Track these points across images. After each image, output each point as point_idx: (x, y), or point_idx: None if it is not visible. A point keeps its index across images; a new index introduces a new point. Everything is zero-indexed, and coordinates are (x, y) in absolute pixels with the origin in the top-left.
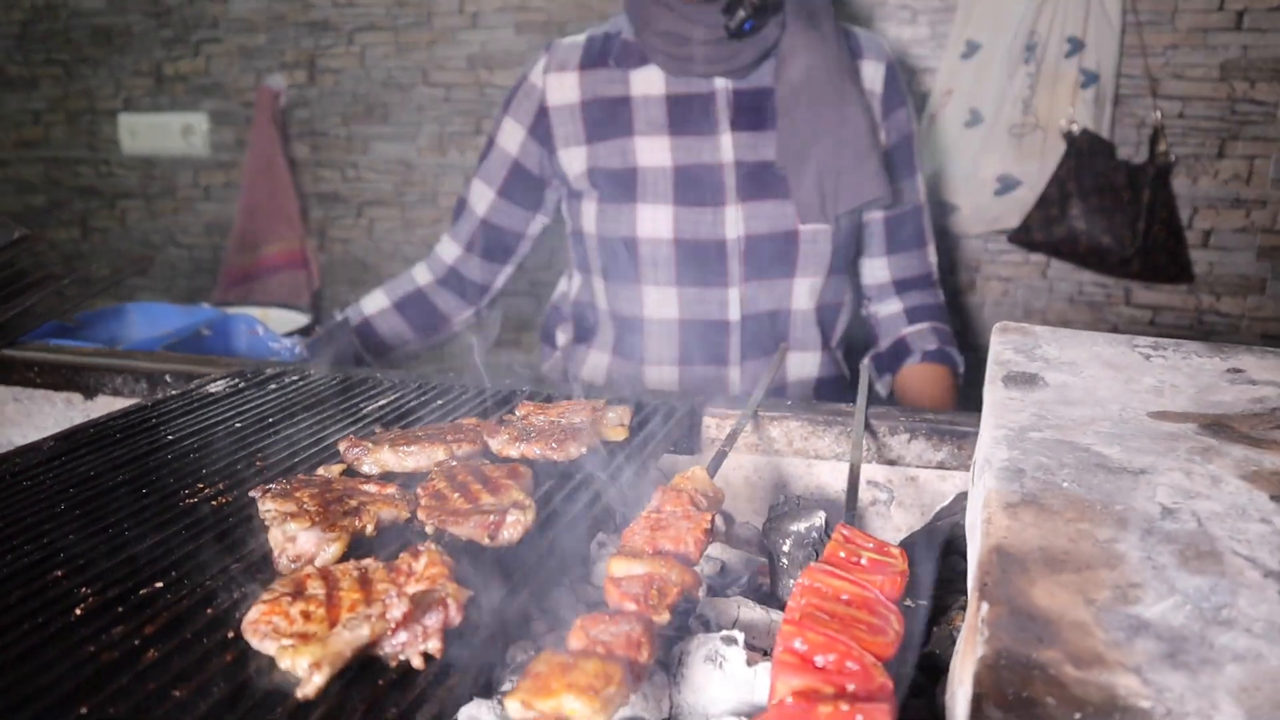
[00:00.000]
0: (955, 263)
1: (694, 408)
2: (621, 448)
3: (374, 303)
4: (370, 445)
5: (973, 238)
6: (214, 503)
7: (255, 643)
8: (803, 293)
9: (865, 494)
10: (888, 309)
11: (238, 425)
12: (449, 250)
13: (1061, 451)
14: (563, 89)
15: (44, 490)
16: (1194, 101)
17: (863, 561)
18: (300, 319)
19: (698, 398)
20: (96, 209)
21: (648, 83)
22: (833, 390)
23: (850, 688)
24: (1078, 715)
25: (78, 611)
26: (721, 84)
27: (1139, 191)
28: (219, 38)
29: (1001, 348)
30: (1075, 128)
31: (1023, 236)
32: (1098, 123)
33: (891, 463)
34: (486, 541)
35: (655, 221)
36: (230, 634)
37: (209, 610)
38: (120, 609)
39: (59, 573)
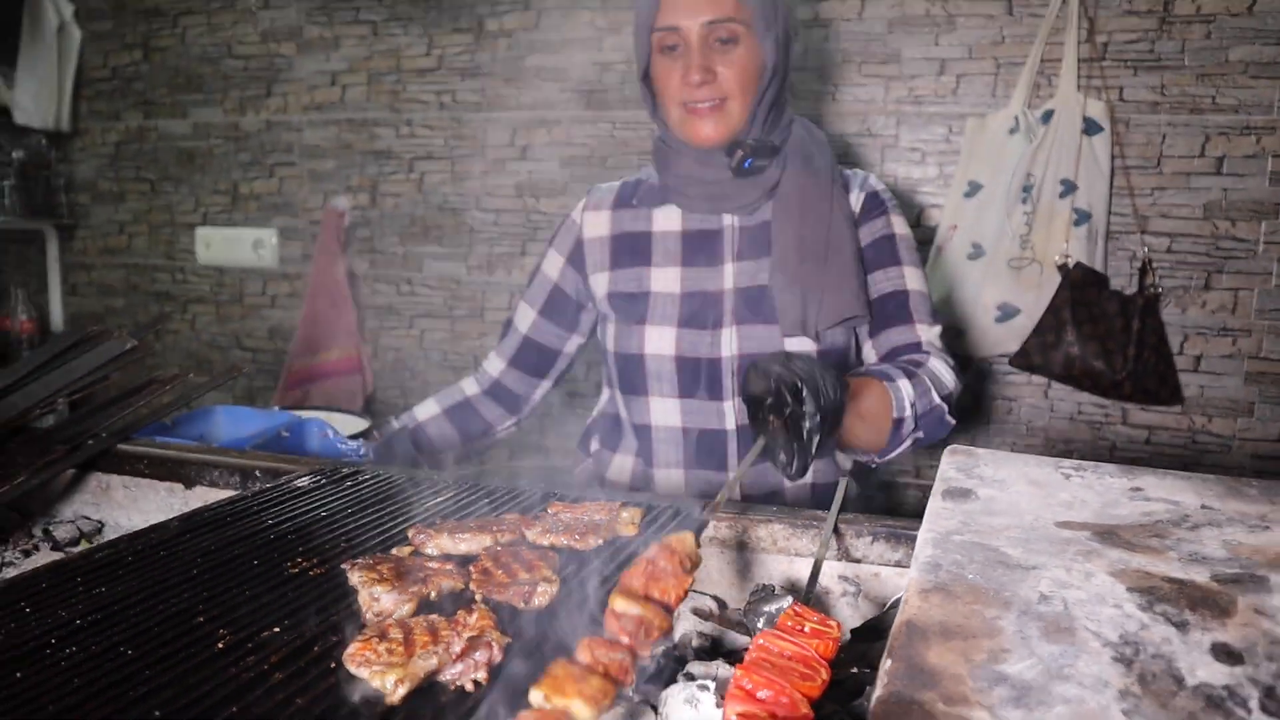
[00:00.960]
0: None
1: (691, 511)
2: (631, 541)
3: (426, 410)
4: (433, 532)
5: (977, 360)
6: (312, 572)
7: (353, 669)
8: None
9: (836, 586)
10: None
11: (323, 514)
12: (494, 365)
13: (974, 551)
14: (596, 224)
15: (178, 558)
16: (1180, 238)
17: (806, 629)
18: (361, 423)
19: (701, 501)
20: (170, 312)
21: (667, 220)
22: (827, 496)
23: (780, 714)
24: None
25: (219, 646)
26: (729, 220)
27: (1130, 320)
28: (292, 162)
29: (947, 466)
30: (1069, 261)
31: (1022, 360)
32: (1090, 257)
33: (857, 560)
34: (522, 606)
35: (660, 340)
36: (332, 664)
37: (315, 648)
38: (250, 645)
39: (200, 619)
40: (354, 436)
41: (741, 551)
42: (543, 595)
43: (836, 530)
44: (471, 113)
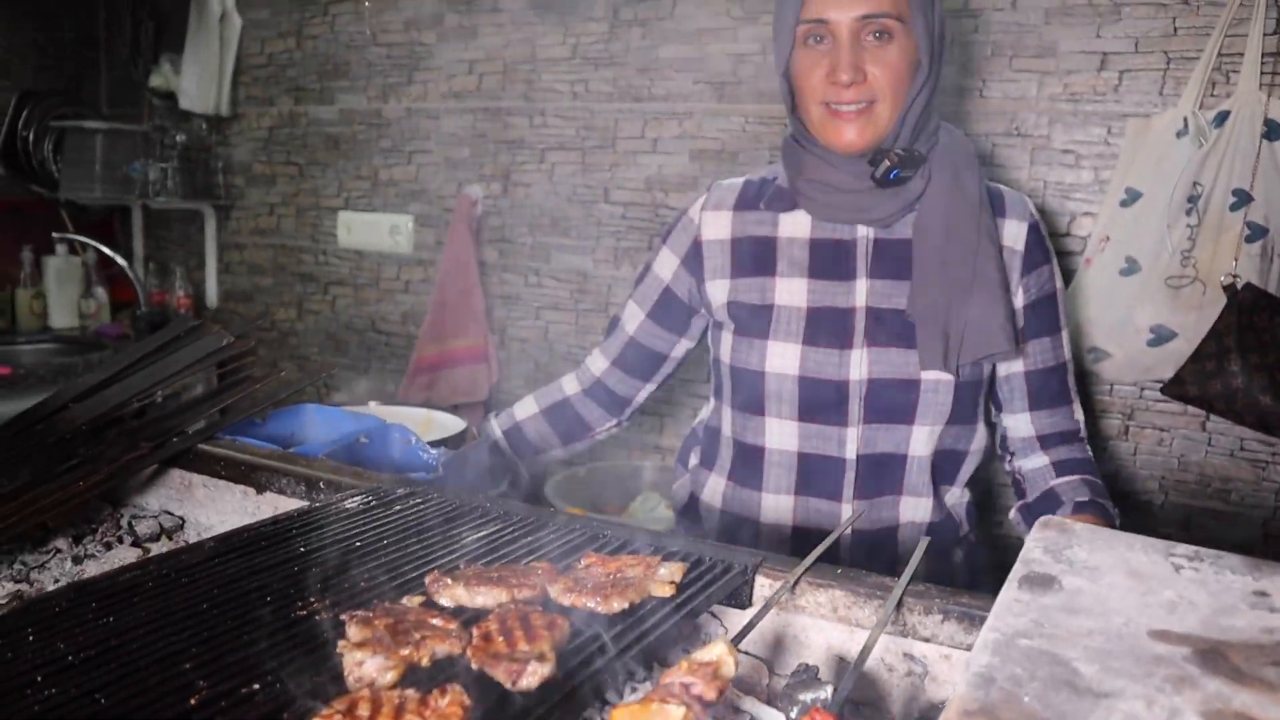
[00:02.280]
0: (1107, 408)
1: (747, 568)
2: (666, 603)
3: (525, 408)
4: (449, 582)
5: (1126, 384)
6: (319, 616)
7: None
8: (921, 439)
9: (900, 665)
10: (1033, 463)
11: (358, 544)
12: (598, 363)
13: (1040, 663)
14: (717, 226)
15: (196, 588)
16: None
17: None
18: (459, 424)
19: (755, 558)
20: (312, 293)
21: (795, 226)
22: (945, 537)
23: None
24: None
25: (193, 701)
26: (864, 232)
27: None
28: (429, 149)
29: (1033, 545)
30: (1238, 281)
31: (1175, 389)
32: (1264, 278)
33: (926, 640)
34: (510, 686)
35: (784, 358)
36: None
37: (285, 715)
38: (223, 703)
39: (188, 665)
40: (443, 442)
41: (798, 615)
42: (533, 676)
43: (902, 604)
44: (604, 103)
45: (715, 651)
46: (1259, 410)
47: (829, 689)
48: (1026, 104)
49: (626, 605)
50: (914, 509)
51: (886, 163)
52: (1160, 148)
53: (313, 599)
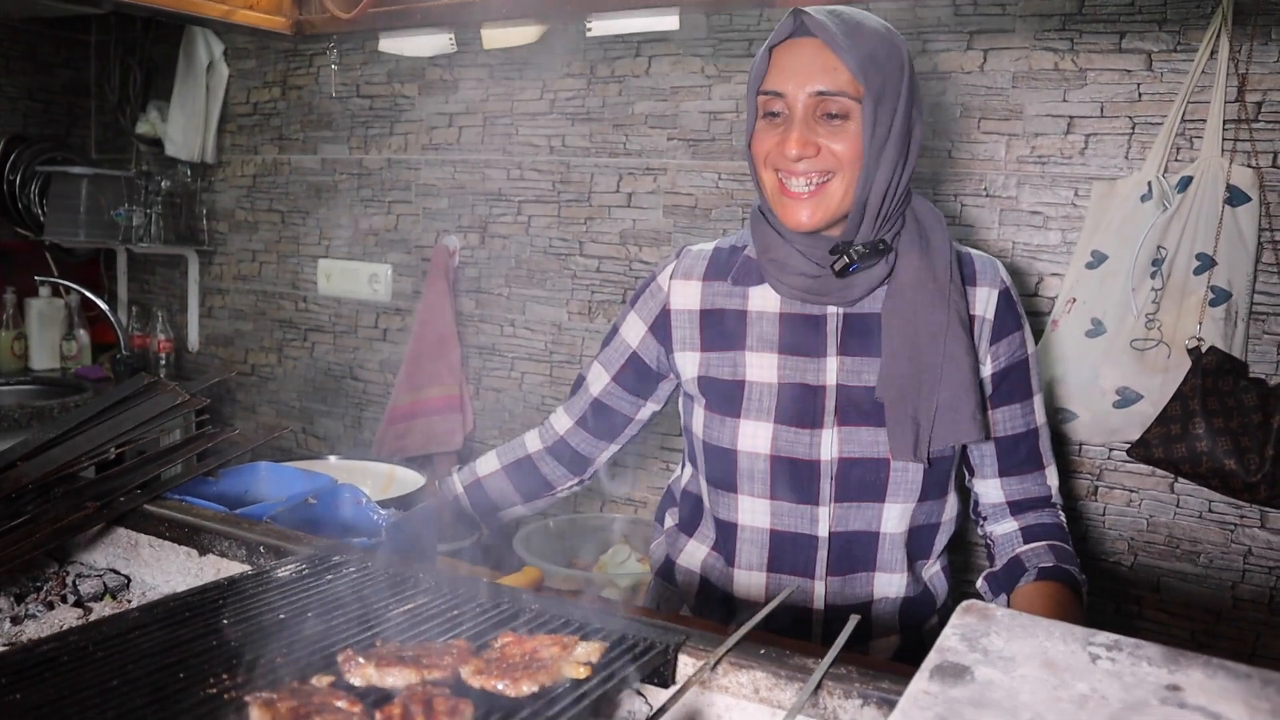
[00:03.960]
0: (1076, 468)
1: (669, 647)
2: (578, 685)
3: (486, 464)
4: (361, 661)
5: (1095, 445)
6: (226, 695)
7: None
8: (893, 517)
9: None
10: (1002, 529)
11: (282, 616)
12: (561, 422)
13: None
14: (685, 295)
15: (110, 663)
16: None
17: None
18: (418, 480)
19: (679, 636)
20: (291, 339)
21: (764, 300)
22: (920, 610)
23: None
24: None
25: None
26: (833, 309)
27: (1271, 414)
28: (409, 200)
29: (951, 632)
30: (1202, 345)
31: (1141, 452)
32: (1228, 341)
33: None
34: None
35: (755, 437)
36: None
37: None
38: None
39: None
40: (398, 500)
41: (721, 695)
42: None
43: (821, 687)
44: (580, 157)
45: None
46: (1223, 474)
47: None
48: (995, 165)
49: (536, 688)
50: (888, 584)
51: (845, 260)
52: (1125, 211)
53: (225, 675)
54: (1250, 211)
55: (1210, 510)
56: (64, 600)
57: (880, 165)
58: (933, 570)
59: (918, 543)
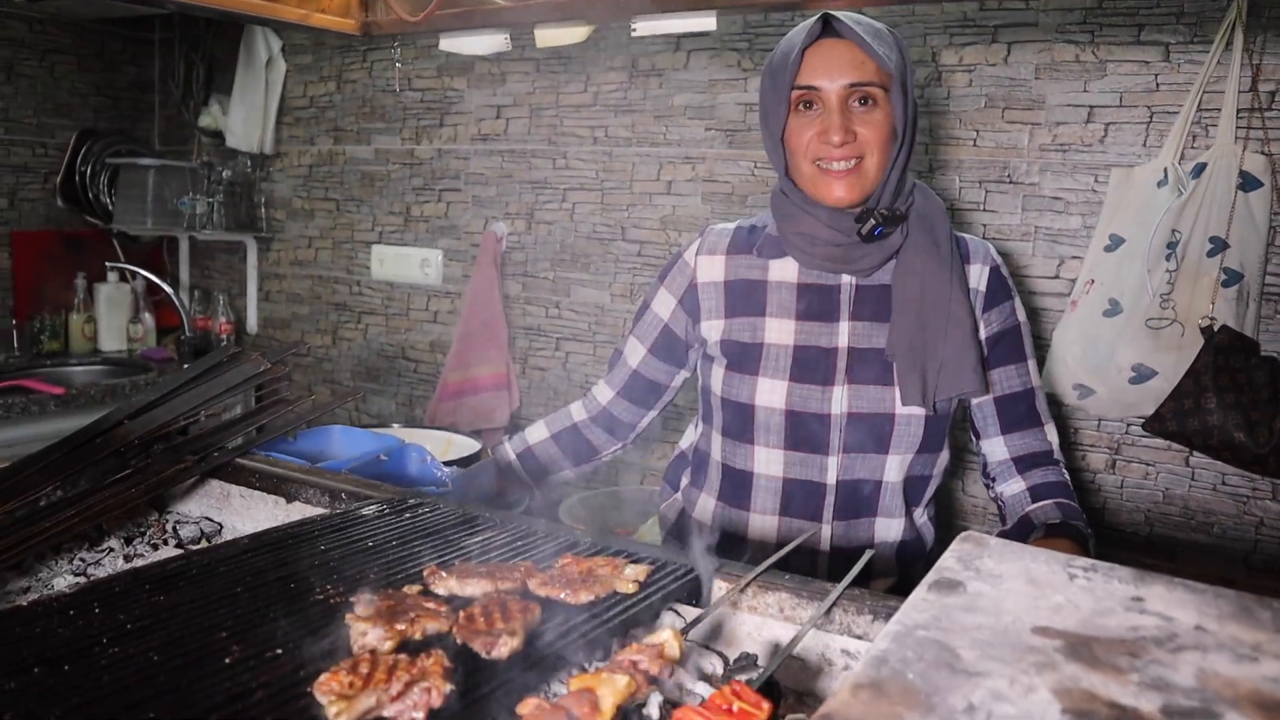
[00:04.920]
0: (1095, 443)
1: (705, 572)
2: (626, 600)
3: (537, 433)
4: (444, 575)
5: (1112, 420)
6: (333, 600)
7: (317, 696)
8: (893, 467)
9: (839, 660)
10: (1012, 489)
11: (370, 544)
12: (603, 393)
13: (929, 649)
14: (711, 269)
15: (232, 576)
16: None
17: (734, 709)
18: (475, 445)
19: (714, 563)
20: (346, 321)
21: (783, 271)
22: (913, 553)
23: None
24: None
25: (228, 660)
26: (847, 279)
27: (1279, 390)
28: (459, 188)
29: (949, 555)
30: (1215, 324)
31: (1156, 426)
32: (1239, 320)
33: (859, 637)
34: (486, 655)
35: (772, 392)
36: (308, 689)
37: (301, 672)
38: (252, 663)
39: (224, 633)
40: (459, 461)
41: (750, 615)
42: (504, 647)
43: (838, 606)
44: (622, 147)
45: (662, 636)
46: (1234, 447)
47: (758, 671)
48: (1018, 153)
49: (593, 598)
50: (887, 529)
51: (872, 221)
52: (1142, 196)
53: (328, 586)
54: (1262, 197)
55: (1224, 483)
56: (166, 544)
57: (897, 145)
58: (923, 519)
59: (913, 490)
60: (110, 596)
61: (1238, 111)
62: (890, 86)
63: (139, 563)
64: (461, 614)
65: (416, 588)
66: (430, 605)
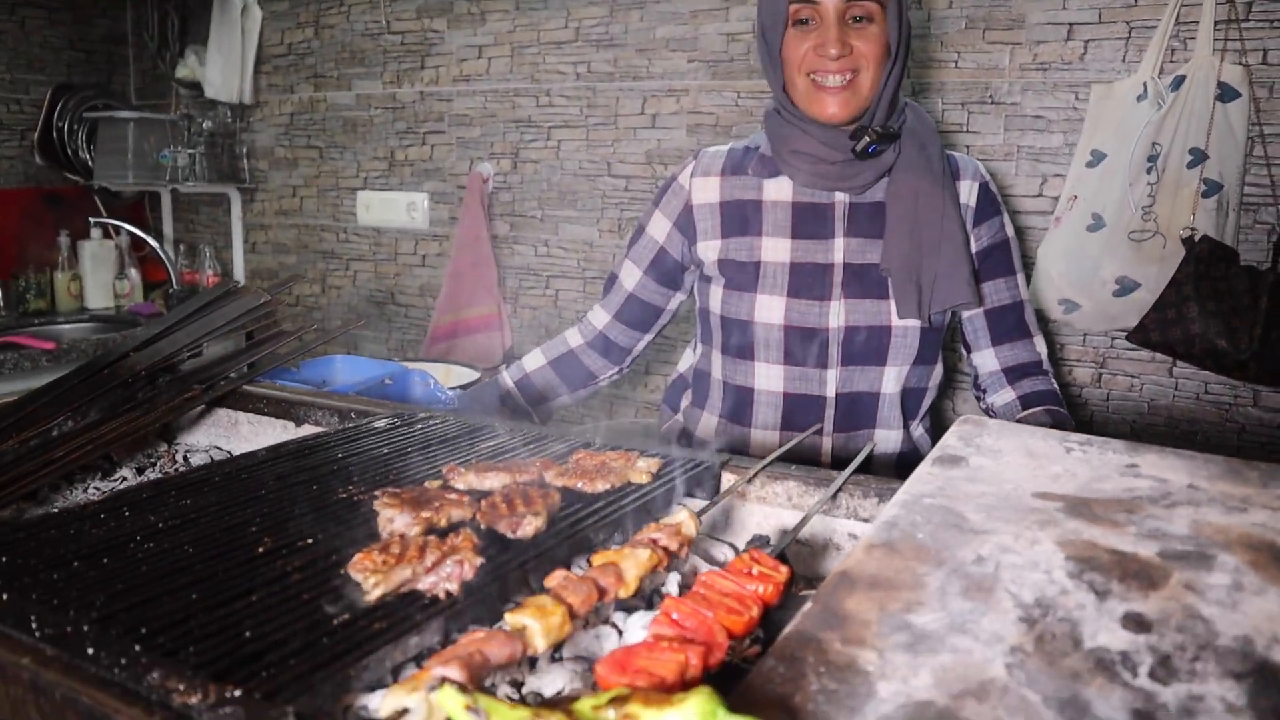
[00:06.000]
0: (1081, 357)
1: (714, 464)
2: (641, 488)
3: (533, 360)
4: (462, 470)
5: (1097, 334)
6: (356, 497)
7: (353, 574)
8: (890, 378)
9: (845, 543)
10: (1003, 398)
11: (385, 451)
12: (599, 317)
13: (935, 514)
14: (706, 191)
15: (256, 481)
16: None
17: (754, 572)
18: (471, 374)
19: (720, 456)
20: (334, 269)
21: (778, 190)
22: (912, 465)
23: (694, 639)
24: (821, 668)
25: (259, 550)
26: (841, 197)
27: (1259, 297)
28: (442, 130)
29: (951, 435)
30: (1195, 234)
31: (1140, 336)
32: (1219, 230)
33: (865, 520)
34: (511, 534)
35: (770, 309)
36: (342, 570)
37: (334, 556)
38: (284, 551)
39: (253, 528)
40: (455, 388)
41: (759, 505)
42: (529, 527)
43: (843, 491)
44: (605, 82)
45: (679, 516)
46: (1216, 353)
47: (769, 547)
48: (999, 74)
49: (609, 486)
50: (886, 440)
51: (866, 139)
52: (1122, 111)
53: (350, 487)
54: (1240, 107)
55: (1207, 392)
56: (177, 471)
57: (896, 61)
58: (919, 431)
59: (909, 402)
60: (138, 502)
61: (1215, 23)
62: (887, 4)
63: None
64: (484, 502)
65: (437, 482)
66: (453, 496)
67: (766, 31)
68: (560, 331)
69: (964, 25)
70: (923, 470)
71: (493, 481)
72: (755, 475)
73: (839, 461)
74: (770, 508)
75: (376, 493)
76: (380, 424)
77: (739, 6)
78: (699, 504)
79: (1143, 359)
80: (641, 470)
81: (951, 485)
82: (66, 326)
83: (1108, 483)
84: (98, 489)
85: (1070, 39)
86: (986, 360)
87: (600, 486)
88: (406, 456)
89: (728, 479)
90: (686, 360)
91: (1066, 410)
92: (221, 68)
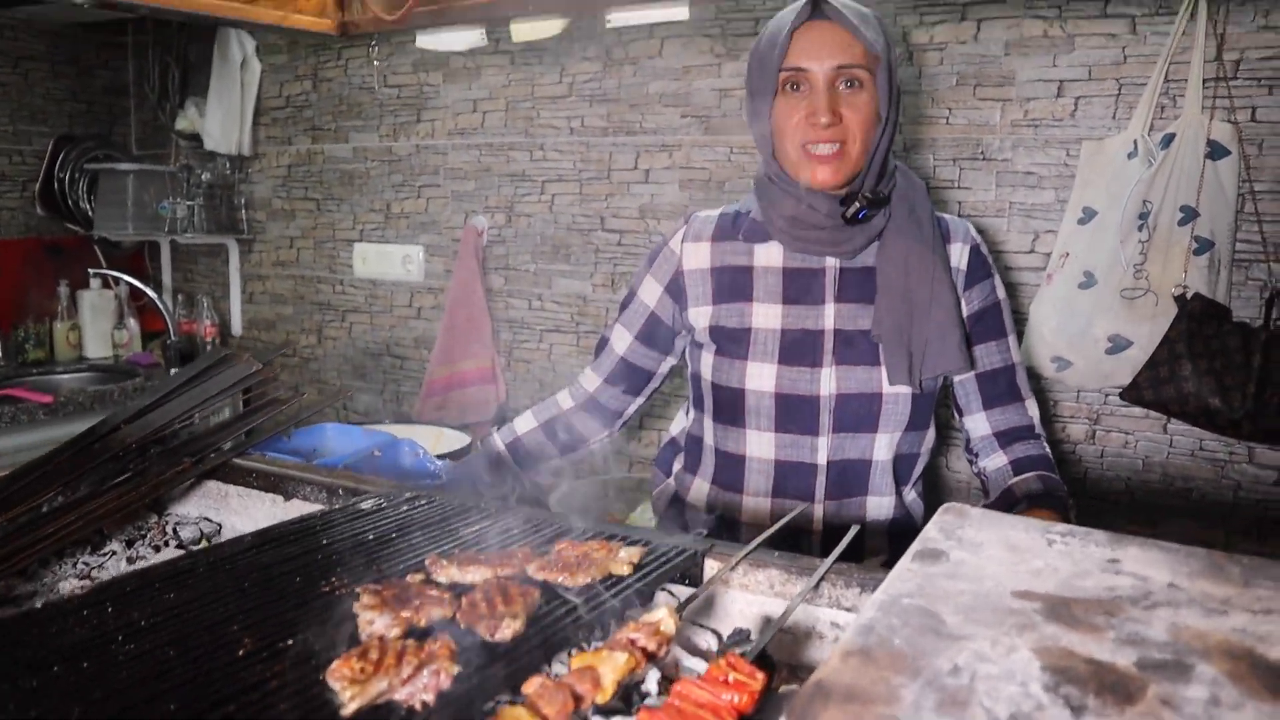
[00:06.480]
0: (1075, 413)
1: (697, 552)
2: (622, 581)
3: (525, 423)
4: (445, 563)
5: (1090, 390)
6: (339, 592)
7: (330, 682)
8: (882, 445)
9: (828, 632)
10: (994, 463)
11: (371, 537)
12: (590, 381)
13: (914, 616)
14: (697, 256)
15: (239, 572)
16: None
17: (729, 680)
18: (464, 439)
19: (704, 543)
20: (330, 321)
21: (769, 256)
22: (904, 530)
23: None
24: None
25: (240, 652)
26: (831, 262)
27: (1252, 355)
28: (438, 184)
29: (932, 526)
30: (1187, 292)
31: (1133, 394)
32: (1211, 287)
33: (848, 609)
34: (490, 637)
35: (761, 376)
36: (320, 677)
37: (313, 661)
38: (264, 654)
39: (235, 626)
40: (449, 454)
41: (742, 592)
42: (507, 629)
43: (826, 580)
44: (599, 137)
45: (658, 614)
46: (1209, 412)
47: (751, 644)
48: (990, 130)
49: (589, 580)
50: (878, 507)
51: (856, 204)
52: (1113, 168)
53: (333, 579)
54: (1230, 165)
55: (1201, 448)
56: (167, 545)
57: (886, 126)
58: (911, 496)
59: (901, 469)
60: (122, 596)
61: (1204, 81)
62: (876, 69)
63: (142, 564)
64: (464, 600)
65: (419, 576)
66: (433, 593)
67: (756, 96)
68: (553, 386)
69: (955, 82)
70: (903, 566)
71: (474, 575)
72: (738, 563)
73: (830, 529)
74: (753, 595)
75: (358, 589)
76: (366, 505)
77: (731, 62)
78: (682, 590)
79: (1136, 415)
80: (623, 561)
81: (931, 583)
82: (65, 377)
83: (1089, 579)
84: (86, 564)
85: (1060, 95)
86: (978, 424)
87: (581, 580)
88: (390, 544)
89: (711, 565)
90: (679, 423)
91: (1059, 476)
92: (221, 120)
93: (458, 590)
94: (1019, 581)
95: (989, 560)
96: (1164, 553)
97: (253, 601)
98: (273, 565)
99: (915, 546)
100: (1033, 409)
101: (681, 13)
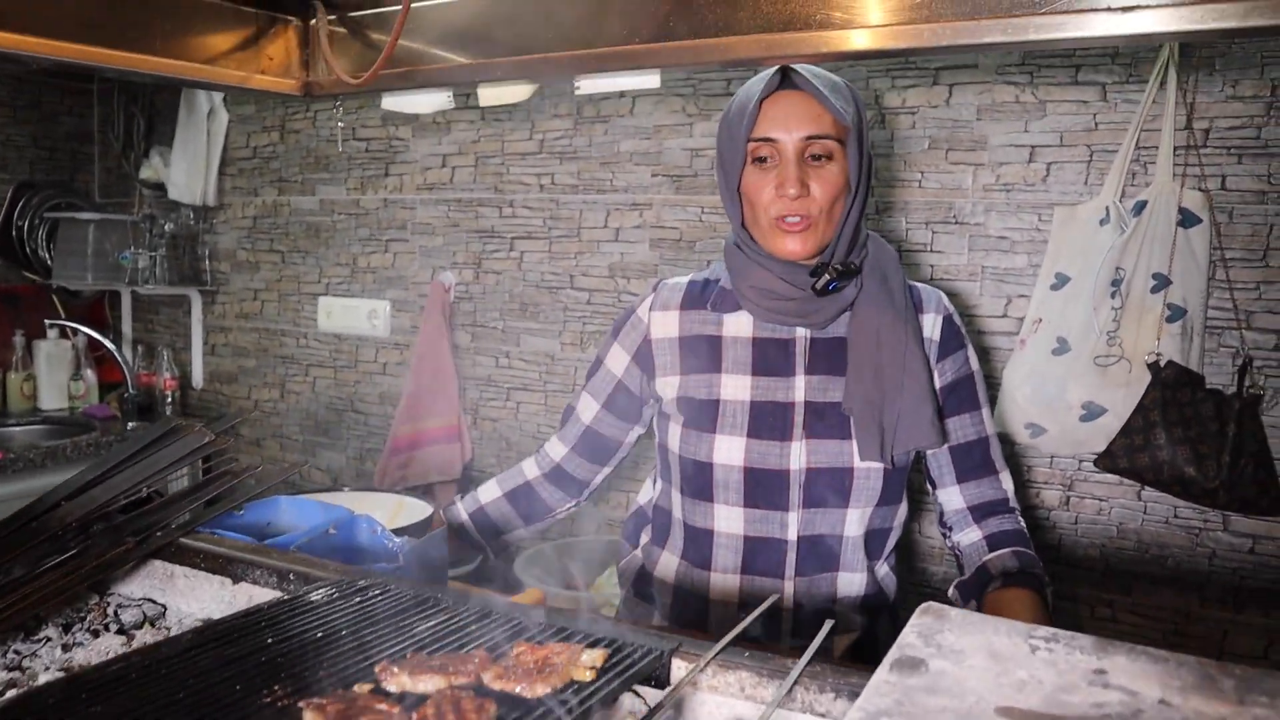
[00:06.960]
0: (1049, 479)
1: (663, 652)
2: (586, 687)
3: (488, 492)
4: (395, 671)
5: (1064, 457)
6: (280, 703)
7: None
8: (854, 520)
9: None
10: (969, 538)
11: (319, 634)
12: (556, 449)
13: None
14: (665, 325)
15: (174, 679)
16: None
17: None
18: (426, 509)
19: (672, 643)
20: (294, 375)
21: (738, 326)
22: (877, 605)
23: None
24: None
25: None
26: (802, 332)
27: (1226, 423)
28: (405, 238)
29: (910, 630)
30: (1161, 359)
31: (1107, 462)
32: (1185, 355)
33: (821, 715)
34: None
35: (730, 450)
36: None
37: None
38: None
39: None
40: (409, 528)
41: (712, 694)
42: None
43: (799, 683)
44: (569, 194)
45: None
46: (1184, 481)
47: None
48: (962, 194)
49: (549, 690)
50: (849, 584)
51: (826, 276)
52: (1085, 235)
53: (276, 687)
54: (1201, 232)
55: (1176, 516)
56: (107, 629)
57: (857, 195)
58: (884, 570)
59: (873, 544)
60: (43, 710)
61: (1175, 149)
62: (846, 140)
63: (77, 652)
64: (415, 717)
65: (368, 686)
66: (382, 706)
67: (726, 166)
68: (520, 446)
69: (927, 145)
70: (880, 679)
71: (427, 684)
72: (706, 664)
73: (800, 608)
74: (723, 697)
75: (300, 703)
76: (316, 597)
77: (702, 122)
78: (648, 693)
79: (1111, 482)
80: (585, 666)
81: (910, 699)
82: (18, 429)
83: (1075, 694)
84: (18, 652)
85: (1032, 160)
86: (952, 498)
87: (540, 690)
88: (339, 643)
89: (679, 665)
90: (646, 493)
91: (1033, 551)
92: (186, 169)
93: (409, 702)
94: (1002, 696)
95: (970, 671)
96: (1153, 663)
97: (188, 715)
98: (211, 671)
99: (893, 654)
100: (1007, 482)
101: (653, 81)
